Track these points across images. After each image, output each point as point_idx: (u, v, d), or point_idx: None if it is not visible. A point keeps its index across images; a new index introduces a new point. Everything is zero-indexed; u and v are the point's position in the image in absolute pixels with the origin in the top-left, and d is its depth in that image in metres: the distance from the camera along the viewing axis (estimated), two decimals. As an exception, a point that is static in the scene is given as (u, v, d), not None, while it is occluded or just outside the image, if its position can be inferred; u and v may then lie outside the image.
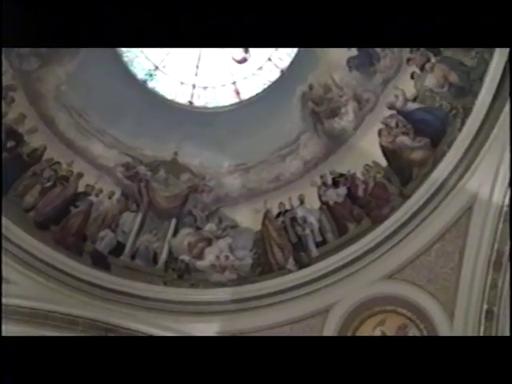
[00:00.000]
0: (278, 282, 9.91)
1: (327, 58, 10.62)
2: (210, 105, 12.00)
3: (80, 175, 10.51)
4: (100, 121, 10.87)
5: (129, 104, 11.11)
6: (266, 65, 11.90)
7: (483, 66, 8.21)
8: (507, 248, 7.83)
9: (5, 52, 9.00)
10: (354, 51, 10.27)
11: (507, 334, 7.59)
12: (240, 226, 10.98)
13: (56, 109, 10.42)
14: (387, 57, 9.92)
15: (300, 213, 10.55)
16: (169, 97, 11.80)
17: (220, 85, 12.19)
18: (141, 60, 11.77)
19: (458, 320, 8.16)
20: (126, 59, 11.43)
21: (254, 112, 11.38)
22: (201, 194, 11.26)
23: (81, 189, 10.49)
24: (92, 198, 10.53)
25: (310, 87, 10.87)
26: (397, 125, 9.79)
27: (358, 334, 8.99)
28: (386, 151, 9.88)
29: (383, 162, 9.90)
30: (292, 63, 11.33)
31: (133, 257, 10.41)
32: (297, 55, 11.19)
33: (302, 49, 11.01)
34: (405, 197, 9.22)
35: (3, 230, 8.52)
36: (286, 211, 10.72)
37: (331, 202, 10.38)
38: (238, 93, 12.01)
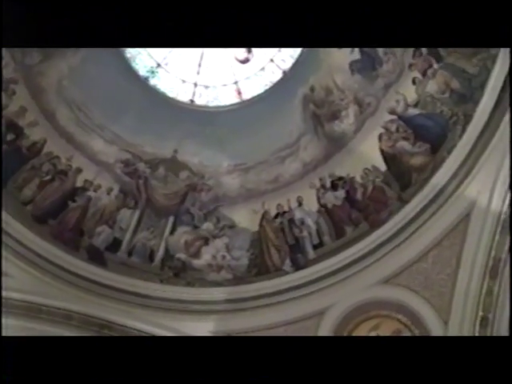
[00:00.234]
0: (274, 283, 9.90)
1: (329, 61, 10.64)
2: (212, 104, 12.01)
3: (79, 170, 10.50)
4: (101, 116, 10.86)
5: (130, 101, 11.11)
6: (269, 66, 11.92)
7: (485, 74, 8.23)
8: (504, 256, 7.84)
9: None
10: (356, 55, 10.28)
11: (502, 341, 7.59)
12: (237, 226, 10.98)
13: (57, 103, 10.41)
14: (389, 61, 9.93)
15: (298, 215, 10.55)
16: (170, 95, 11.80)
17: (222, 84, 12.20)
18: (143, 57, 11.77)
19: (453, 326, 8.17)
20: (128, 56, 11.44)
21: (254, 112, 11.38)
22: (199, 192, 11.26)
23: (79, 184, 10.46)
24: (90, 193, 10.50)
25: (312, 89, 10.89)
26: (397, 130, 9.80)
27: (353, 337, 8.99)
28: (385, 156, 9.88)
29: (382, 167, 9.91)
30: (294, 65, 11.34)
31: (129, 253, 10.38)
32: (299, 57, 11.21)
33: (304, 51, 11.05)
34: (403, 202, 9.23)
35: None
36: (284, 213, 10.72)
37: (329, 205, 10.38)
38: (239, 93, 12.02)
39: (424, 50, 9.33)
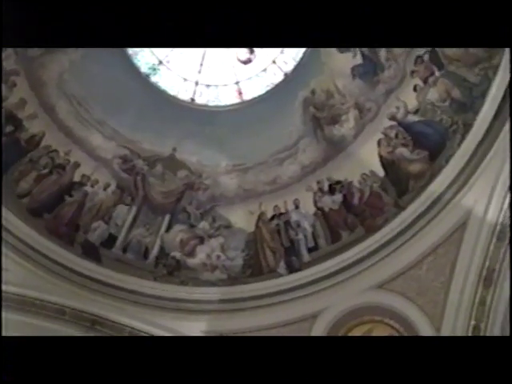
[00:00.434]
0: (267, 284, 9.90)
1: (331, 65, 10.65)
2: (212, 103, 12.00)
3: (77, 165, 10.47)
4: (100, 112, 10.84)
5: (130, 97, 11.09)
6: (270, 67, 11.92)
7: (486, 84, 8.25)
8: (498, 266, 7.87)
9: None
10: (358, 59, 10.30)
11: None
12: (233, 226, 10.97)
13: (57, 96, 10.38)
14: (391, 67, 9.95)
15: (294, 217, 10.56)
16: (171, 92, 11.80)
17: (223, 84, 12.20)
18: (145, 54, 11.76)
19: (445, 334, 8.17)
20: (130, 52, 11.42)
21: (255, 113, 11.38)
22: (196, 191, 11.25)
23: (76, 178, 10.44)
24: (87, 188, 10.49)
25: (313, 92, 10.90)
26: (396, 136, 9.82)
27: (345, 341, 8.99)
28: (384, 161, 9.90)
29: (380, 172, 9.92)
30: (296, 67, 11.36)
31: (124, 250, 10.36)
32: (301, 59, 11.22)
33: (306, 54, 11.07)
34: (400, 208, 9.24)
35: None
36: (281, 214, 10.73)
37: (326, 209, 10.39)
38: (240, 93, 12.02)
39: (426, 57, 9.35)
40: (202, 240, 10.73)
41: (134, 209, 10.81)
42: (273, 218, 10.75)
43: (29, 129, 9.91)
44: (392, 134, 9.86)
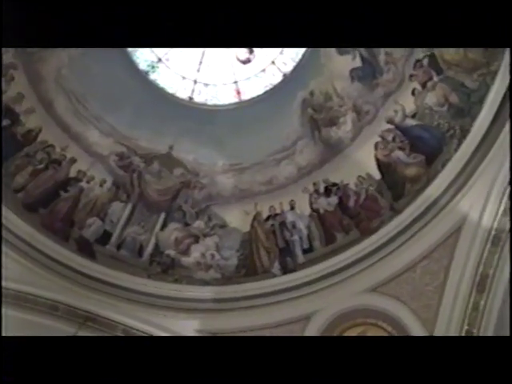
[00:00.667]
0: (261, 284, 9.90)
1: (330, 67, 10.67)
2: (210, 102, 12.00)
3: (73, 160, 10.45)
4: (98, 108, 10.82)
5: (129, 94, 11.07)
6: (270, 68, 11.94)
7: (484, 90, 8.27)
8: (492, 271, 7.90)
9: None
10: (357, 62, 10.32)
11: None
12: (229, 225, 10.98)
13: (55, 92, 10.35)
14: (390, 71, 9.97)
15: (290, 218, 10.57)
16: (169, 90, 11.80)
17: (221, 83, 12.21)
18: (144, 51, 11.76)
19: (437, 339, 8.21)
20: (129, 49, 11.38)
21: (253, 113, 11.40)
22: (192, 190, 11.25)
23: (72, 174, 10.41)
24: (83, 184, 10.46)
25: (311, 94, 10.91)
26: (393, 139, 9.83)
27: (338, 344, 8.99)
28: (380, 164, 9.92)
29: (377, 175, 9.94)
30: (295, 68, 11.38)
31: (119, 247, 10.34)
32: (301, 60, 11.23)
33: (306, 55, 11.08)
34: (395, 211, 9.26)
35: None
36: (276, 215, 10.74)
37: (321, 210, 10.40)
38: (238, 93, 12.02)
39: (425, 61, 9.37)
40: (196, 239, 10.72)
41: (130, 206, 10.80)
42: (268, 218, 10.76)
43: (26, 123, 9.88)
44: (389, 137, 9.88)
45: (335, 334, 8.99)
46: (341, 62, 10.41)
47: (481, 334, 7.76)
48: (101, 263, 9.77)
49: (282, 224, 10.57)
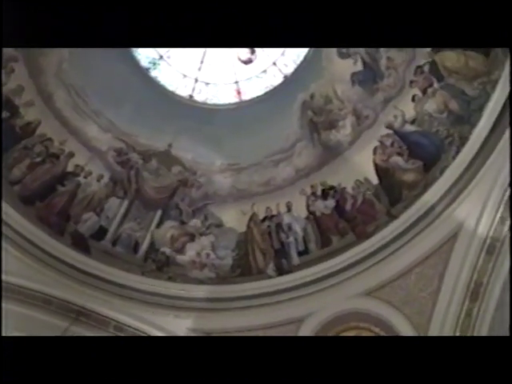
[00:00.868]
0: (255, 285, 9.90)
1: (332, 70, 10.67)
2: (210, 101, 11.99)
3: (71, 154, 10.41)
4: (98, 103, 10.79)
5: (129, 90, 11.05)
6: (271, 69, 11.94)
7: (484, 98, 8.29)
8: (486, 280, 7.92)
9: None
10: (359, 66, 10.33)
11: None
12: (225, 225, 10.97)
13: (55, 85, 10.31)
14: (391, 76, 9.98)
15: (286, 220, 10.57)
16: (170, 88, 11.77)
17: (222, 82, 12.21)
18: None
19: (430, 345, 8.21)
20: (131, 45, 11.37)
21: (252, 114, 11.39)
22: (190, 188, 11.23)
23: (70, 168, 10.37)
24: (80, 178, 10.43)
25: (312, 96, 10.91)
26: (392, 144, 9.86)
27: (330, 347, 8.98)
28: (378, 169, 9.94)
29: (374, 180, 9.96)
30: (296, 70, 11.37)
31: (114, 243, 10.31)
32: (302, 62, 11.23)
33: (307, 57, 11.07)
34: (391, 217, 9.28)
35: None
36: (273, 216, 10.73)
37: (318, 213, 10.40)
38: (239, 93, 12.02)
39: (426, 68, 9.39)
40: (192, 237, 10.70)
41: (126, 202, 10.77)
42: (264, 219, 10.75)
43: (25, 116, 9.85)
44: (388, 142, 9.90)
45: (328, 337, 8.99)
46: (342, 66, 10.42)
47: (473, 342, 7.78)
48: (95, 258, 9.73)
49: (278, 225, 10.57)
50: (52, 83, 10.30)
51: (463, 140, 8.51)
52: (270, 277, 9.96)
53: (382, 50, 9.89)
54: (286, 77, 11.59)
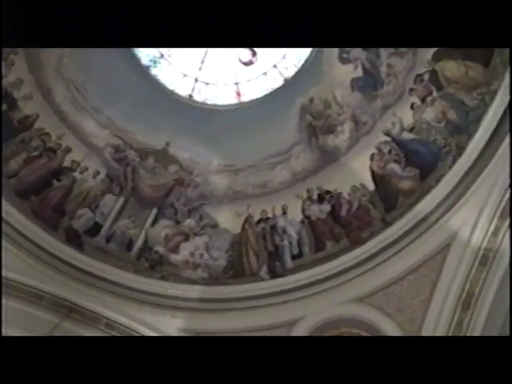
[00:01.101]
0: (248, 287, 9.90)
1: (332, 74, 10.69)
2: (210, 102, 12.00)
3: (68, 150, 10.39)
4: (97, 99, 10.78)
5: (129, 87, 11.05)
6: (271, 71, 11.95)
7: (483, 109, 8.30)
8: (478, 290, 7.93)
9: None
10: (359, 72, 10.34)
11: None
12: (220, 226, 10.97)
13: (55, 80, 10.30)
14: (391, 83, 10.00)
15: (281, 223, 10.57)
16: (169, 87, 11.78)
17: (222, 83, 12.21)
18: (147, 46, 11.70)
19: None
20: (132, 43, 11.35)
21: (251, 115, 11.40)
22: (186, 188, 11.23)
23: (66, 164, 10.36)
24: (76, 174, 10.42)
25: (311, 100, 10.92)
26: (389, 152, 9.87)
27: (320, 351, 8.97)
28: (375, 176, 9.96)
29: (371, 186, 9.98)
30: (297, 74, 11.39)
31: (108, 240, 10.28)
32: (303, 66, 11.25)
33: (308, 61, 11.08)
34: (386, 223, 9.30)
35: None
36: (268, 219, 10.74)
37: (313, 217, 10.41)
38: (239, 94, 12.02)
39: (426, 76, 9.40)
40: (186, 237, 10.70)
41: (122, 199, 10.76)
42: (259, 221, 10.76)
43: (23, 109, 9.82)
44: (385, 149, 9.92)
45: (318, 342, 8.97)
46: (342, 71, 10.44)
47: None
48: (88, 255, 9.70)
49: (273, 228, 10.58)
50: (52, 77, 10.29)
51: (460, 150, 8.53)
52: (262, 279, 9.97)
53: (382, 56, 9.91)
54: (286, 80, 11.61)
